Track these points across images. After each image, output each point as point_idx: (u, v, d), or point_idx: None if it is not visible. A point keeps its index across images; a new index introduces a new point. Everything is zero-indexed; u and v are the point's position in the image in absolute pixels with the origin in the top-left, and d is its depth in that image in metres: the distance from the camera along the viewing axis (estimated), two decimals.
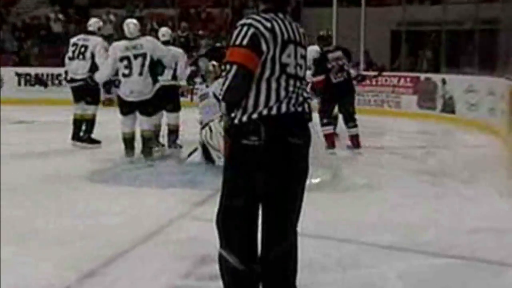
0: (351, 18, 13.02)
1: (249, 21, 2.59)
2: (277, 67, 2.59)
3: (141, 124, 6.74)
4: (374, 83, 11.61)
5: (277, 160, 2.59)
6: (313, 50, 7.59)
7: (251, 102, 2.59)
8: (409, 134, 9.50)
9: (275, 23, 2.60)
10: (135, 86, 6.57)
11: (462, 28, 13.81)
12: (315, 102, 6.67)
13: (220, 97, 2.70)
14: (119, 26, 9.12)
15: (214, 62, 6.84)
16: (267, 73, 2.59)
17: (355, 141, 7.54)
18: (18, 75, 13.79)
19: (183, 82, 7.58)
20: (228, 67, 2.59)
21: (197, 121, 6.49)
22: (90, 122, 7.74)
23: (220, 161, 5.78)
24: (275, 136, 2.58)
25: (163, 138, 7.46)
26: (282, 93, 2.61)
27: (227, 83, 2.58)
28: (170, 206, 4.87)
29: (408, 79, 11.86)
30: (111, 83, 6.91)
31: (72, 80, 7.77)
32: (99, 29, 8.05)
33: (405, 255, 3.84)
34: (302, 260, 2.78)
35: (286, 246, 2.67)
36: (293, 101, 2.63)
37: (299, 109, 2.65)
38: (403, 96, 11.84)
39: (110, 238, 3.99)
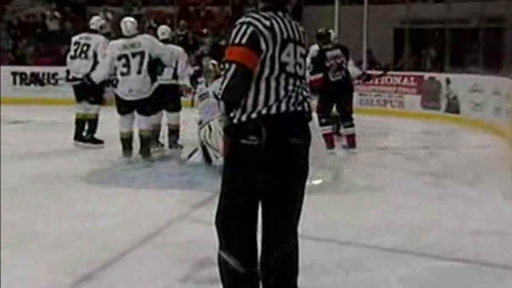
0: (354, 16, 12.96)
1: (248, 19, 2.58)
2: (277, 66, 2.58)
3: (139, 123, 6.68)
4: (377, 82, 11.52)
5: (277, 160, 2.56)
6: (312, 49, 7.54)
7: (250, 101, 2.57)
8: (412, 135, 9.44)
9: (274, 22, 2.58)
10: (134, 85, 6.51)
11: (466, 27, 13.75)
12: (313, 102, 6.60)
13: (219, 96, 2.67)
14: (117, 24, 9.07)
15: (213, 61, 6.78)
16: (266, 72, 2.57)
17: (351, 141, 7.45)
18: (14, 74, 13.64)
19: (183, 81, 7.48)
20: (227, 66, 2.57)
21: (196, 121, 6.44)
22: (93, 122, 7.68)
23: (217, 161, 5.74)
24: (275, 135, 2.55)
25: (163, 138, 7.41)
26: (282, 92, 2.59)
27: (226, 82, 2.56)
28: (168, 207, 4.82)
29: (412, 79, 11.79)
30: (109, 82, 6.82)
31: (74, 79, 7.68)
32: (101, 27, 8.01)
33: (407, 257, 3.78)
34: (302, 262, 2.75)
35: (287, 248, 2.65)
36: (292, 100, 2.61)
37: (299, 108, 2.63)
38: (406, 95, 11.76)
39: (107, 240, 3.95)
